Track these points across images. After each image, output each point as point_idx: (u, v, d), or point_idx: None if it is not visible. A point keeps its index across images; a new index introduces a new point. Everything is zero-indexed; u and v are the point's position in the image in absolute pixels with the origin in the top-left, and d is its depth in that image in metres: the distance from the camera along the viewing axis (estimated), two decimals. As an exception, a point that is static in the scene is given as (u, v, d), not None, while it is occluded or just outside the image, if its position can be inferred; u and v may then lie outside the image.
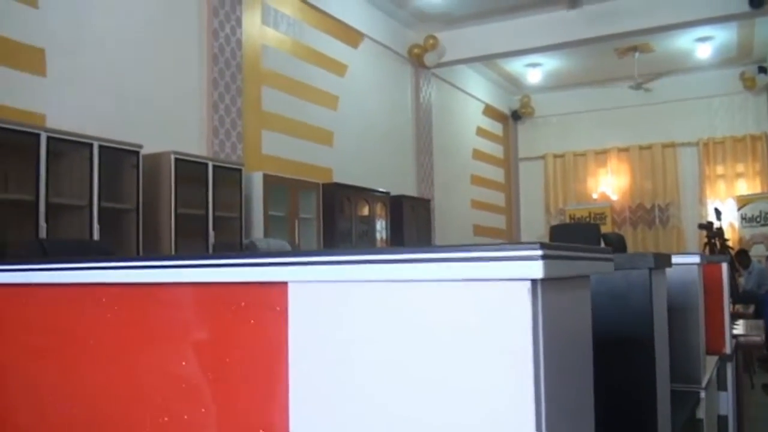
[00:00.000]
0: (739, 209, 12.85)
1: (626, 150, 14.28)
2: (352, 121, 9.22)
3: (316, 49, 8.59)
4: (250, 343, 1.17)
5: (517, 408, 0.91)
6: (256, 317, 1.16)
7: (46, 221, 4.59)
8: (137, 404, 1.32)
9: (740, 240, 12.59)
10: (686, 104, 13.47)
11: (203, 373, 1.23)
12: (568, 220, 13.97)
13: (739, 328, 4.73)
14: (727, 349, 3.31)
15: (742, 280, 9.87)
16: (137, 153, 5.32)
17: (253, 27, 7.50)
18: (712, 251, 10.88)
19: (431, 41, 10.73)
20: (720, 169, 13.55)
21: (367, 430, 1.02)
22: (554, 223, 13.57)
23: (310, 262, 1.07)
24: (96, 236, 4.91)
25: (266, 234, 6.72)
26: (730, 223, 12.80)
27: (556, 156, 14.89)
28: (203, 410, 1.22)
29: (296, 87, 8.17)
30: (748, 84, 12.80)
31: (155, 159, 5.59)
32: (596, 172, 14.59)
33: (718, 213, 11.95)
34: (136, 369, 1.34)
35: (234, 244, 6.25)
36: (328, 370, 1.06)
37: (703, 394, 2.51)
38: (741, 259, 10.31)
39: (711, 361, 2.95)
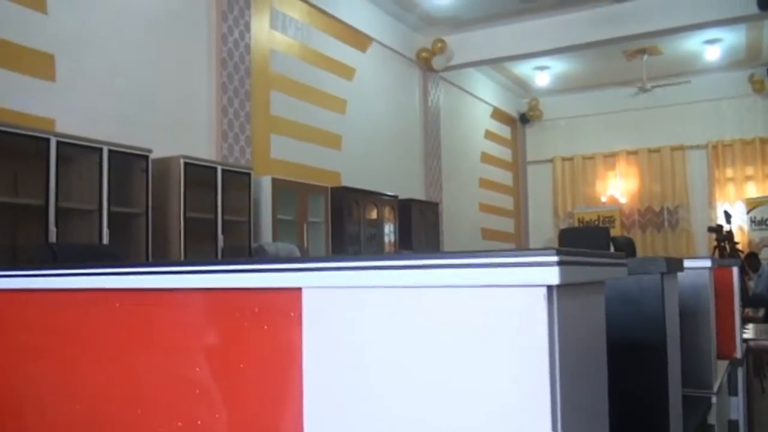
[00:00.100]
0: (748, 212, 12.80)
1: (635, 153, 14.23)
2: (360, 125, 9.23)
3: (324, 53, 8.60)
4: (264, 349, 1.17)
5: (533, 413, 0.91)
6: (270, 323, 1.16)
7: (56, 225, 4.60)
8: (151, 409, 1.32)
9: (750, 243, 12.53)
10: (695, 107, 13.42)
11: (217, 379, 1.23)
12: (576, 224, 13.94)
13: (749, 332, 4.70)
14: (738, 354, 3.29)
15: (751, 284, 9.82)
16: (146, 157, 5.34)
17: (262, 31, 7.51)
18: (721, 254, 10.83)
19: (439, 45, 10.72)
20: (729, 172, 13.49)
21: (382, 436, 1.02)
22: (563, 226, 13.54)
23: (324, 268, 1.07)
24: (105, 240, 4.93)
25: (275, 238, 6.72)
26: (739, 226, 12.74)
27: (564, 159, 14.85)
28: (217, 415, 1.22)
29: (305, 91, 8.18)
30: (757, 86, 12.75)
31: (164, 163, 5.60)
32: (605, 175, 14.54)
33: (727, 216, 11.89)
34: (151, 374, 1.34)
35: (243, 248, 6.26)
36: (342, 375, 1.06)
37: (714, 400, 2.50)
38: (751, 262, 10.26)
39: (722, 366, 2.93)
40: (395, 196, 9.11)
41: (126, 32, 5.83)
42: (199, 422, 1.24)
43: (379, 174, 9.38)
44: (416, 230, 9.58)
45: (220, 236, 5.99)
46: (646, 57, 11.99)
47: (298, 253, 6.46)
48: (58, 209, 4.63)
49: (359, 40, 9.33)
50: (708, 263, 2.60)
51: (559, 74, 13.29)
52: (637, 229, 14.04)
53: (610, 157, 14.46)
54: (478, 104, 13.24)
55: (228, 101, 6.72)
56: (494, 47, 10.95)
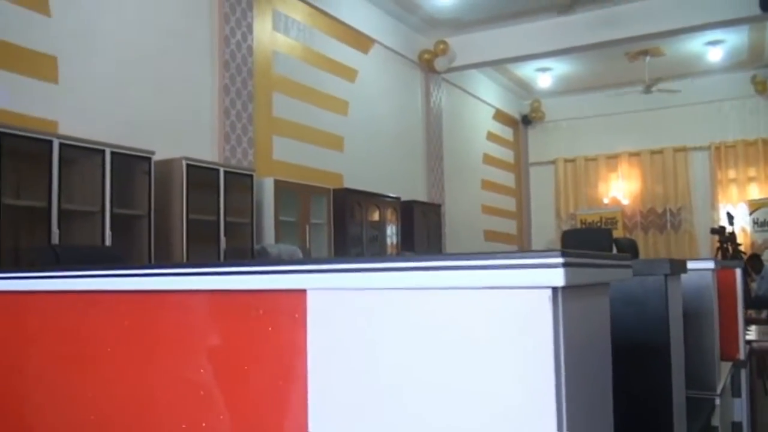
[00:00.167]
0: (751, 213, 12.79)
1: (637, 154, 14.23)
2: (362, 127, 9.23)
3: (326, 55, 8.60)
4: (269, 351, 1.17)
5: (539, 414, 0.91)
6: (275, 324, 1.16)
7: (59, 227, 4.61)
8: (155, 411, 1.32)
9: (752, 244, 12.52)
10: (697, 108, 13.41)
11: (221, 381, 1.23)
12: (579, 225, 13.93)
13: (752, 333, 4.71)
14: (741, 355, 3.28)
15: (754, 285, 9.81)
16: (149, 159, 5.34)
17: (264, 33, 7.52)
18: (724, 256, 10.83)
19: (441, 46, 10.73)
20: (732, 173, 13.48)
21: (387, 438, 1.02)
22: (565, 228, 13.54)
23: (329, 270, 1.07)
24: (108, 242, 4.93)
25: (277, 239, 6.73)
26: (742, 227, 12.73)
27: (566, 161, 14.85)
28: (221, 417, 1.22)
29: (307, 93, 8.19)
30: (760, 87, 12.74)
31: (167, 165, 5.61)
32: (607, 176, 14.54)
33: (730, 217, 11.89)
34: (155, 376, 1.34)
35: (245, 250, 6.26)
36: (347, 377, 1.06)
37: (718, 401, 2.49)
38: (753, 263, 10.25)
39: (725, 368, 2.93)
40: (397, 198, 9.11)
41: (129, 34, 5.84)
42: (203, 424, 1.24)
43: (381, 175, 9.39)
44: (418, 232, 9.58)
45: (223, 238, 6.00)
46: (648, 58, 11.98)
47: (300, 255, 6.46)
48: (60, 211, 4.64)
49: (361, 41, 9.34)
50: (711, 265, 2.60)
51: (561, 76, 13.29)
52: (640, 231, 14.03)
53: (613, 159, 14.46)
54: (480, 106, 13.24)
55: (230, 103, 6.73)
56: (496, 49, 10.96)
